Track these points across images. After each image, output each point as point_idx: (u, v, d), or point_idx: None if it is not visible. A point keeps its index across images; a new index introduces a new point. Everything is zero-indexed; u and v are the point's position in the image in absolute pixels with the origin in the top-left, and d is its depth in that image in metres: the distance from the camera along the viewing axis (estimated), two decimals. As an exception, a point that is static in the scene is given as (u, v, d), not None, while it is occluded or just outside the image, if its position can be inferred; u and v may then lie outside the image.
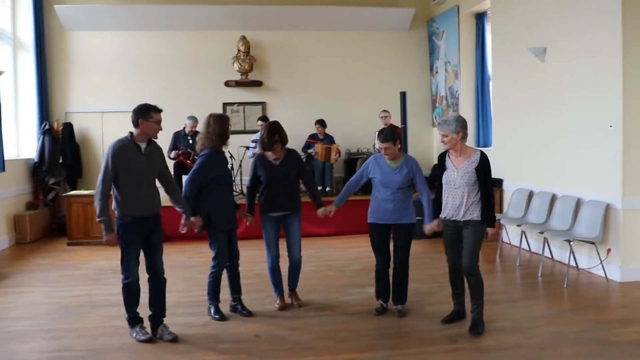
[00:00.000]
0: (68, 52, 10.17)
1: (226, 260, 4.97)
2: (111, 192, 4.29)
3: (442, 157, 4.54)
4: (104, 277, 6.59)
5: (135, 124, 4.28)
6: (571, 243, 5.95)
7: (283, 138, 4.99)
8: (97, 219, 4.23)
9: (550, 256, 6.77)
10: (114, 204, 4.30)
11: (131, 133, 4.32)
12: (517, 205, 7.40)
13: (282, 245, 5.20)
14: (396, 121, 9.36)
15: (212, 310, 4.99)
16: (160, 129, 4.37)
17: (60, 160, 9.78)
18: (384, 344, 4.31)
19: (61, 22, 9.96)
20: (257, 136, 9.66)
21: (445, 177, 4.46)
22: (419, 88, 10.88)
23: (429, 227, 4.68)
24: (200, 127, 5.17)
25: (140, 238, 4.36)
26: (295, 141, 9.64)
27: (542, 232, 6.32)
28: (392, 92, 10.53)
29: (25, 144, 9.81)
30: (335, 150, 9.42)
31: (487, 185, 4.35)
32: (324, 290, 5.76)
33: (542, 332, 4.43)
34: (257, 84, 10.54)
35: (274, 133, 4.93)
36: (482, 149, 8.77)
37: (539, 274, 6.22)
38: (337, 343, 4.34)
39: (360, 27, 10.70)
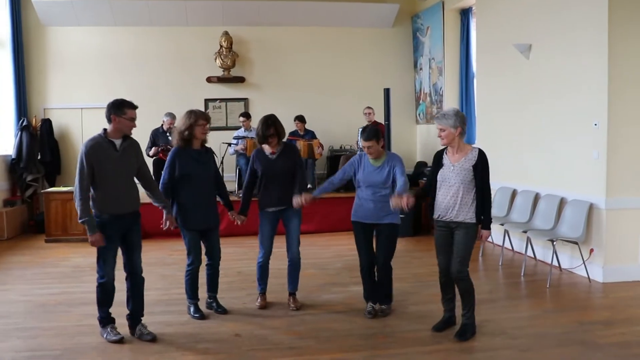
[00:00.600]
0: (46, 47, 9.97)
1: (199, 259, 4.87)
2: None
3: (439, 155, 4.34)
4: (81, 275, 6.47)
5: (109, 119, 4.15)
6: (554, 243, 5.93)
7: (279, 131, 4.90)
8: (79, 220, 4.14)
9: (532, 256, 6.75)
10: (90, 202, 4.18)
11: (105, 130, 4.19)
12: (501, 204, 7.37)
13: (278, 243, 5.13)
14: (380, 118, 9.30)
15: (192, 309, 4.91)
16: (134, 126, 4.24)
17: (39, 157, 9.59)
18: (366, 344, 4.25)
19: (39, 17, 9.75)
20: (239, 132, 9.57)
21: (440, 175, 4.25)
22: (403, 85, 10.82)
23: (396, 201, 4.22)
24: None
25: (118, 236, 4.26)
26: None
27: (525, 232, 6.30)
28: (376, 88, 10.45)
29: (1, 140, 9.59)
30: (317, 144, 9.34)
31: (484, 185, 4.17)
32: (305, 288, 5.63)
33: (525, 334, 4.39)
34: (240, 80, 10.42)
35: (269, 126, 4.84)
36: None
37: (522, 274, 6.20)
38: (319, 343, 4.27)
39: (343, 23, 10.62)
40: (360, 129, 9.68)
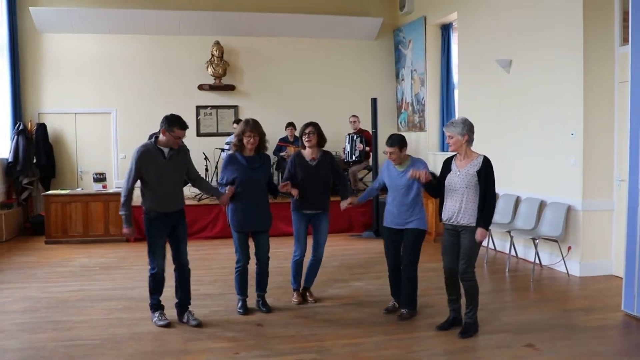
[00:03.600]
0: (41, 53, 10.18)
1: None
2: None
3: (448, 161, 4.58)
4: (91, 274, 6.78)
5: (162, 131, 4.61)
6: (536, 241, 6.53)
7: (321, 138, 5.26)
8: (119, 212, 4.67)
9: (514, 254, 7.34)
10: (141, 200, 4.72)
11: (156, 138, 4.66)
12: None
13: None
14: (366, 126, 9.81)
15: (239, 305, 5.21)
16: (179, 143, 4.69)
17: (34, 161, 9.77)
18: (378, 330, 4.72)
19: (35, 24, 9.95)
20: (230, 138, 9.93)
21: (447, 179, 4.49)
22: (385, 94, 11.36)
23: (414, 171, 4.57)
24: None
25: (165, 231, 4.74)
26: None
27: (509, 231, 6.88)
28: (360, 97, 11.08)
29: (-2, 143, 9.76)
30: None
31: (487, 189, 4.35)
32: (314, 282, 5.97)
33: (516, 320, 4.92)
34: (230, 88, 10.81)
35: (318, 133, 5.24)
36: (446, 153, 9.33)
37: (507, 270, 6.78)
38: (336, 330, 4.72)
39: (329, 35, 11.14)
40: (348, 135, 10.17)
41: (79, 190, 9.36)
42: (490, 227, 7.14)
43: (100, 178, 9.18)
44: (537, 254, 6.68)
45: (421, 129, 10.48)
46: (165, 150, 4.66)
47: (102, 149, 10.49)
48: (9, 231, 8.96)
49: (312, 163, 5.28)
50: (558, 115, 6.70)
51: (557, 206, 6.60)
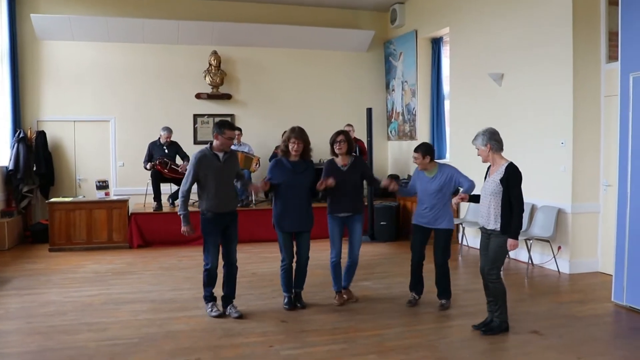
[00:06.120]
0: (41, 61, 10.27)
1: (290, 257, 5.52)
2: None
3: (488, 169, 4.82)
4: (107, 279, 6.96)
5: (214, 136, 5.06)
6: (530, 242, 7.02)
7: (350, 145, 5.58)
8: (178, 213, 5.16)
9: (508, 255, 7.80)
10: (198, 201, 5.19)
11: (211, 143, 5.10)
12: (476, 210, 8.42)
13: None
14: (359, 135, 10.20)
15: (285, 301, 5.59)
16: (232, 144, 5.15)
17: (34, 169, 9.89)
18: (397, 323, 5.12)
19: (35, 31, 10.08)
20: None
21: (482, 186, 4.78)
22: (375, 104, 11.66)
23: (457, 199, 4.98)
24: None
25: (218, 231, 5.16)
26: (261, 151, 10.34)
27: (503, 233, 7.35)
28: (352, 107, 11.52)
29: (-2, 151, 9.86)
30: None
31: (510, 196, 4.50)
32: (318, 285, 6.34)
33: (517, 311, 5.35)
34: (227, 97, 11.10)
35: (348, 141, 5.56)
36: (439, 161, 9.79)
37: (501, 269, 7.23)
38: (357, 324, 5.10)
39: (323, 46, 11.54)
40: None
41: (82, 198, 9.51)
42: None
43: (102, 185, 9.35)
44: (529, 254, 7.16)
45: (412, 137, 10.94)
46: (220, 154, 5.09)
47: (100, 156, 10.63)
48: (11, 239, 9.05)
49: (344, 169, 5.59)
50: (549, 125, 7.20)
51: (548, 209, 7.10)
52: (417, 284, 5.64)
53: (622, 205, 5.50)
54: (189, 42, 10.86)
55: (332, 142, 5.61)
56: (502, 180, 4.56)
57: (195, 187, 5.22)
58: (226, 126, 5.06)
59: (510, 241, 4.57)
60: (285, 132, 5.59)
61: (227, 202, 5.22)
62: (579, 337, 4.68)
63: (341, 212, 5.60)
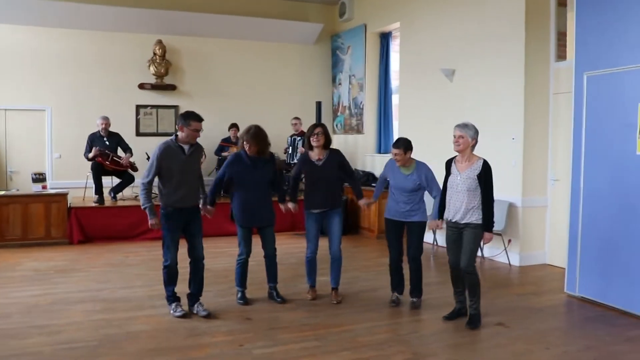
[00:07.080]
0: (-33, 44, 9.59)
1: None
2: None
3: (449, 163, 4.91)
4: (50, 277, 6.57)
5: (179, 127, 4.82)
6: (482, 234, 7.18)
7: (327, 139, 5.40)
8: (142, 207, 4.85)
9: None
10: (158, 196, 4.92)
11: (176, 135, 4.84)
12: (428, 204, 8.54)
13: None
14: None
15: (238, 296, 5.50)
16: (198, 136, 4.88)
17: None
18: (364, 318, 5.07)
19: (-41, 13, 9.38)
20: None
21: (449, 182, 4.83)
22: (322, 97, 11.61)
23: (433, 224, 5.11)
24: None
25: (180, 226, 4.93)
26: (206, 144, 10.04)
27: (455, 226, 7.50)
28: (299, 100, 11.46)
29: None
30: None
31: (487, 192, 4.67)
32: (280, 280, 6.11)
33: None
34: (171, 87, 10.74)
35: (326, 134, 5.42)
36: (383, 155, 9.87)
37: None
38: (325, 320, 5.03)
39: (271, 38, 11.38)
40: (289, 137, 10.47)
41: (15, 191, 8.96)
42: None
43: (39, 178, 8.83)
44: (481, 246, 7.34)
45: (359, 131, 10.99)
46: (186, 147, 4.86)
47: (34, 147, 10.05)
48: None
49: (319, 163, 5.43)
50: (500, 120, 7.40)
51: (500, 203, 7.27)
52: (399, 283, 5.49)
53: (575, 200, 5.71)
54: (129, 29, 10.41)
55: (309, 134, 5.44)
56: (479, 176, 4.67)
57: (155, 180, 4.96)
58: (192, 117, 4.81)
59: (487, 234, 4.72)
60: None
61: (190, 197, 5.01)
62: (543, 328, 4.82)
63: (316, 208, 5.49)
